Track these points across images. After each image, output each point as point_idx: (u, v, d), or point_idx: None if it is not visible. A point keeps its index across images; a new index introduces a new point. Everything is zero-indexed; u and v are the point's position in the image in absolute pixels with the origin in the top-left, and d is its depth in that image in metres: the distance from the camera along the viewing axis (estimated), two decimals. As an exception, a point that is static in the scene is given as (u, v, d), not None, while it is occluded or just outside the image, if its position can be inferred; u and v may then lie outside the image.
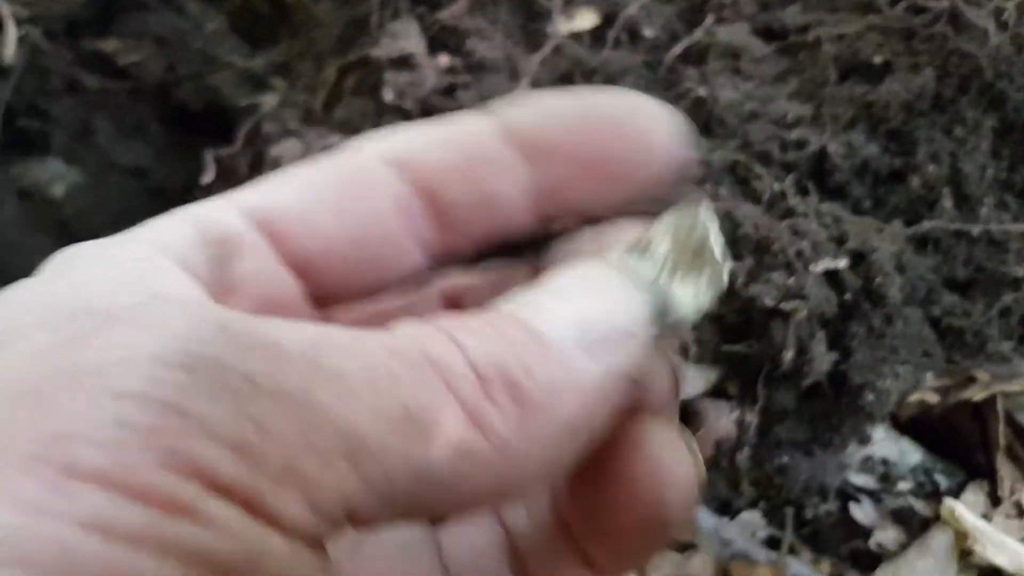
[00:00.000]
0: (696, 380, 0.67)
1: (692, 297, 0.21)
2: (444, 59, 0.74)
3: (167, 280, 0.21)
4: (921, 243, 0.68)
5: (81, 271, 0.21)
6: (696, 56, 0.72)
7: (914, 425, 0.68)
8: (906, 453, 0.68)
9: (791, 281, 0.63)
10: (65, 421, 0.15)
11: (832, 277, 0.64)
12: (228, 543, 0.16)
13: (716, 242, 0.22)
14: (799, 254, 0.63)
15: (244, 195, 0.23)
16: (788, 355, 0.63)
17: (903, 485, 0.68)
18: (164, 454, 0.15)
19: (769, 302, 0.63)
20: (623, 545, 0.22)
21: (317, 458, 0.16)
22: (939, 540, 0.65)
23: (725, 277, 0.21)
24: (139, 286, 0.20)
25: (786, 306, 0.63)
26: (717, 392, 0.68)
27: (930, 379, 0.66)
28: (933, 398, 0.66)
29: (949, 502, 0.64)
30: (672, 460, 0.22)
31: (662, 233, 0.22)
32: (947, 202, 0.67)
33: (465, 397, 0.18)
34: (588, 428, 0.19)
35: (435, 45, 0.76)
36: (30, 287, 0.20)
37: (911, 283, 0.66)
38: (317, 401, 0.17)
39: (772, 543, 0.67)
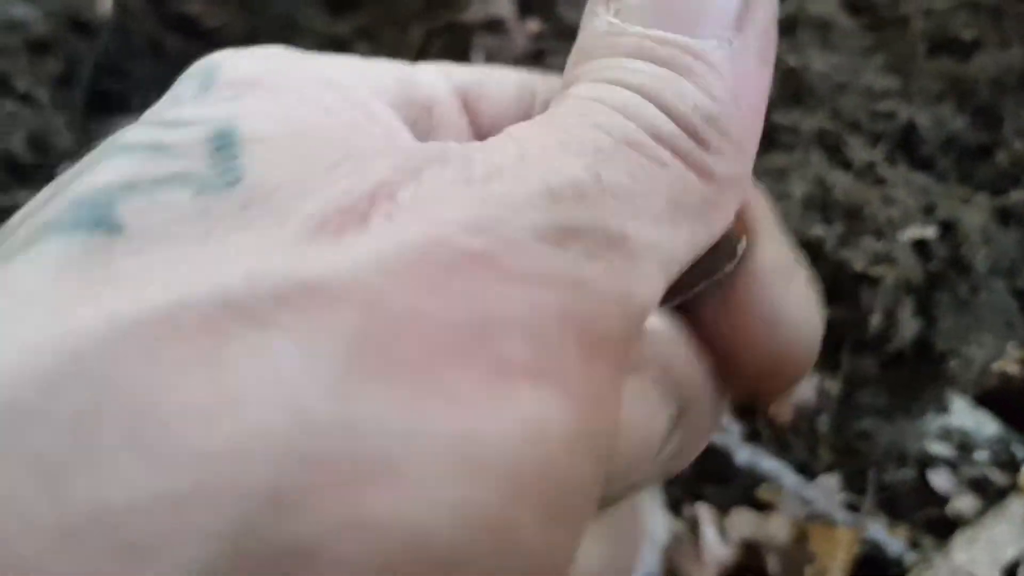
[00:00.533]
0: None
1: None
2: (533, 25, 0.76)
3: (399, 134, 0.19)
4: (1005, 218, 0.69)
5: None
6: (785, 27, 0.73)
7: (992, 397, 0.69)
8: (983, 424, 0.69)
9: (880, 247, 0.64)
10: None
11: (920, 246, 0.66)
12: None
13: None
14: (889, 221, 0.65)
15: (456, 69, 0.21)
16: (875, 320, 0.64)
17: (980, 455, 0.68)
18: None
19: (859, 266, 0.64)
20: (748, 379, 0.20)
21: None
22: (1016, 508, 0.65)
23: None
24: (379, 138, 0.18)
25: (875, 271, 0.64)
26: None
27: (1011, 350, 0.67)
28: (1014, 368, 0.67)
29: (1028, 470, 0.65)
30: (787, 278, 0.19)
31: None
32: (1033, 177, 0.68)
33: (691, 160, 0.16)
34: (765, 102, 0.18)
35: (525, 9, 0.77)
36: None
37: (995, 256, 0.67)
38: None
39: (848, 508, 0.68)
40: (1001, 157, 0.69)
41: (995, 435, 0.69)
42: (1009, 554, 0.65)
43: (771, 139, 0.69)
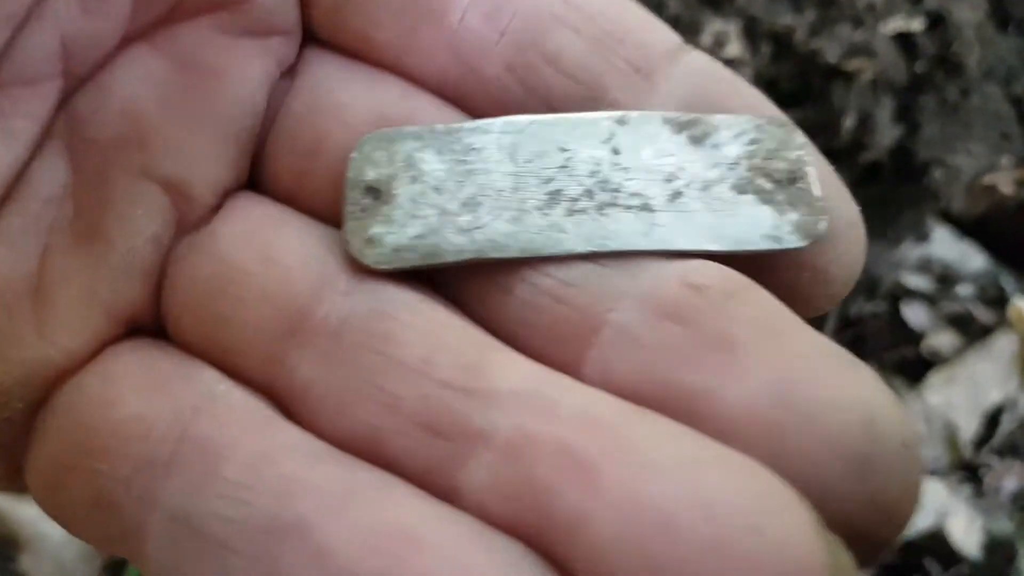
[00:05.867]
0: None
1: None
2: None
3: None
4: (1003, 20, 0.60)
5: None
6: None
7: (979, 227, 0.61)
8: (968, 256, 0.61)
9: (858, 36, 0.55)
10: None
11: (904, 39, 0.57)
12: None
13: None
14: (870, 8, 0.56)
15: None
16: (848, 123, 0.56)
17: (963, 289, 0.60)
18: None
19: (832, 58, 0.55)
20: None
21: None
22: (1002, 345, 0.58)
23: None
24: None
25: (850, 65, 0.55)
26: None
27: (1005, 166, 0.58)
28: (1007, 187, 0.58)
29: (1017, 302, 0.57)
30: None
31: None
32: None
33: None
34: None
35: None
36: None
37: (991, 60, 0.58)
38: None
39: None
40: (1003, -50, 0.60)
41: (981, 268, 0.61)
42: (993, 397, 0.58)
43: (739, -78, 0.60)
